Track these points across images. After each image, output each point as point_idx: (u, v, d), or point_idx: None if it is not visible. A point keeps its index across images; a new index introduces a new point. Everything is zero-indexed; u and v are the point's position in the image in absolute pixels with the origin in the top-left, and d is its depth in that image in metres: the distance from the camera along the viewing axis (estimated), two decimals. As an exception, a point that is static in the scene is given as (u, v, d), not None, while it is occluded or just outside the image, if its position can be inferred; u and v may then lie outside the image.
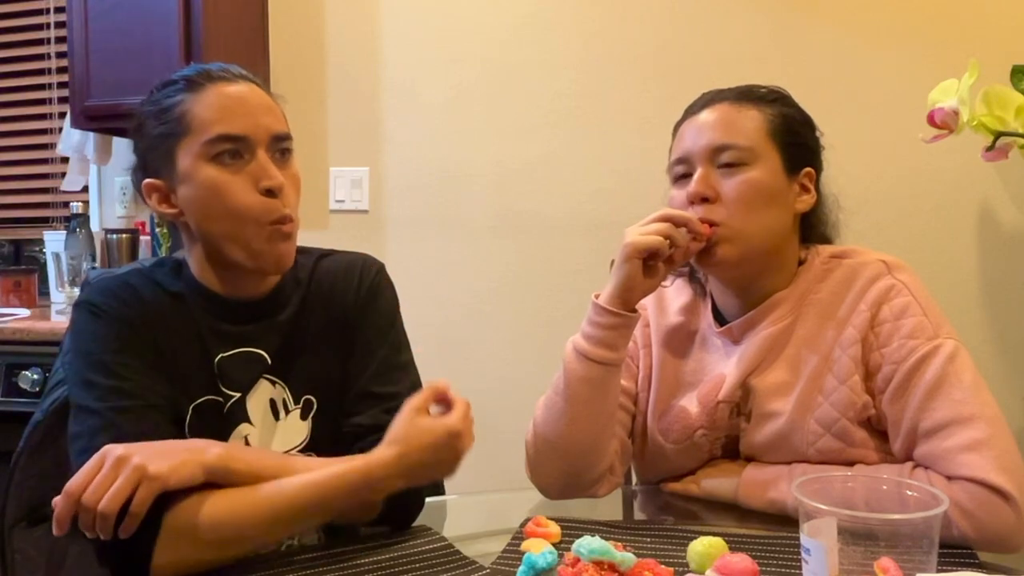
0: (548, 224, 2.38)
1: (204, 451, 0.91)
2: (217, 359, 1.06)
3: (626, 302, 1.08)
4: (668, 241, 1.05)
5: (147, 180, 1.07)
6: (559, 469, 1.13)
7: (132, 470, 0.85)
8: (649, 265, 1.07)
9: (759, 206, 1.09)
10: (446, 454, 0.96)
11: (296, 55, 2.56)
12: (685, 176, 1.13)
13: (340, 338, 1.12)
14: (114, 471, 0.85)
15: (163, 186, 1.06)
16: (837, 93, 2.15)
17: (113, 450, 0.87)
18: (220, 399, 1.06)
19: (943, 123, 1.27)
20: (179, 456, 0.88)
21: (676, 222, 1.06)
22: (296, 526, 0.92)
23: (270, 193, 1.02)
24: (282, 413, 1.09)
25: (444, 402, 0.99)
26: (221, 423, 1.06)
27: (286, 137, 1.06)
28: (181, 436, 1.03)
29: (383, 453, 0.95)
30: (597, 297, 1.10)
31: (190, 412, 1.04)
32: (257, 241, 1.03)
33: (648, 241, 1.05)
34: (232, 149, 1.02)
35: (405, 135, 2.49)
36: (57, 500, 0.85)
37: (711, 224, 1.08)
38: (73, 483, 0.85)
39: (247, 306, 1.09)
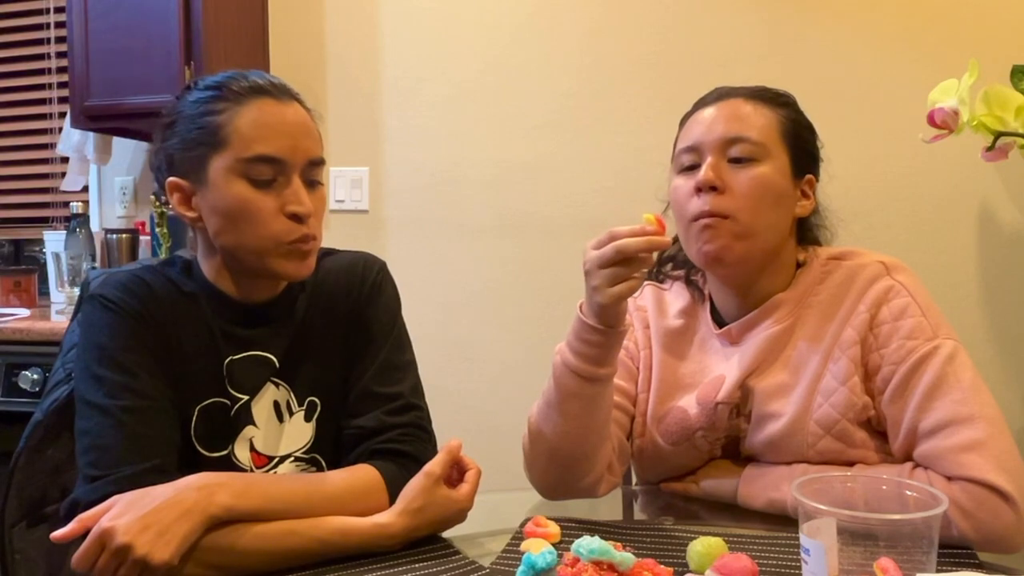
0: (548, 224, 2.38)
1: (210, 499, 0.88)
2: (226, 362, 1.06)
3: (608, 320, 1.02)
4: (638, 281, 0.98)
5: (172, 179, 1.05)
6: (553, 474, 1.13)
7: (132, 564, 0.83)
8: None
9: (768, 203, 1.09)
10: (452, 523, 0.99)
11: (296, 55, 2.56)
12: (692, 167, 1.12)
13: (343, 338, 1.12)
14: (115, 560, 0.84)
15: (187, 188, 1.04)
16: (837, 93, 2.15)
17: (114, 534, 0.83)
18: (227, 402, 1.06)
19: (943, 123, 1.27)
20: (182, 526, 0.85)
21: (636, 254, 0.97)
22: (294, 566, 0.92)
23: (296, 218, 1.02)
24: (286, 415, 1.09)
25: (457, 465, 1.00)
26: (226, 426, 1.06)
27: (321, 162, 1.06)
28: (186, 438, 1.03)
29: (394, 523, 0.95)
30: (581, 308, 1.05)
31: (196, 413, 1.04)
32: (274, 257, 1.03)
33: (620, 293, 0.98)
34: (268, 171, 1.01)
35: (405, 135, 2.49)
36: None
37: (722, 216, 1.07)
38: (75, 563, 0.85)
39: (257, 309, 1.09)
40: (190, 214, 1.05)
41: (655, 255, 1.03)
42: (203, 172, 1.02)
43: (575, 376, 1.06)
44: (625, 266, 0.98)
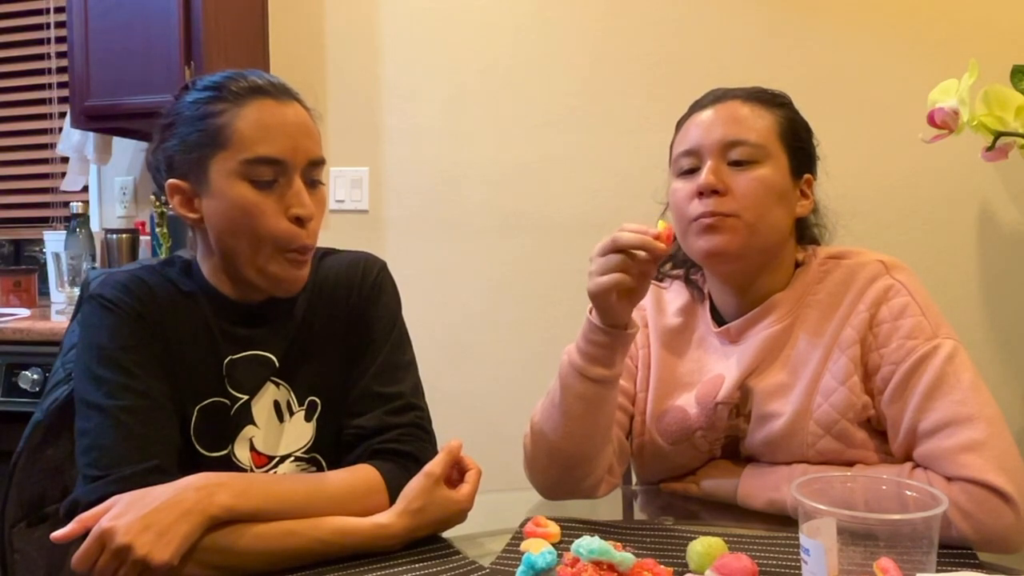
0: (548, 224, 2.38)
1: (210, 499, 0.88)
2: (226, 361, 1.06)
3: (614, 322, 1.04)
4: (626, 276, 0.99)
5: (172, 180, 1.04)
6: (554, 474, 1.13)
7: (132, 565, 0.83)
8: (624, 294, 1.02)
9: (770, 203, 1.09)
10: (452, 523, 0.99)
11: (296, 55, 2.56)
12: (692, 171, 1.12)
13: (343, 338, 1.12)
14: (115, 560, 0.84)
15: (188, 189, 1.04)
16: (837, 93, 2.15)
17: (114, 534, 0.83)
18: (227, 401, 1.06)
19: (943, 123, 1.27)
20: (182, 526, 0.85)
21: (628, 248, 0.99)
22: (294, 566, 0.92)
23: (298, 221, 1.02)
24: (286, 415, 1.09)
25: (458, 465, 1.00)
26: (227, 425, 1.06)
27: (321, 162, 1.06)
28: (186, 438, 1.03)
29: (394, 523, 0.95)
30: (591, 311, 1.05)
31: (196, 413, 1.04)
32: (272, 265, 1.03)
33: (604, 284, 0.99)
34: (269, 172, 1.01)
35: (405, 135, 2.49)
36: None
37: (724, 215, 1.07)
38: (74, 564, 0.85)
39: (257, 309, 1.09)
40: (192, 215, 1.05)
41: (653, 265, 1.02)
42: (204, 174, 1.02)
43: (580, 377, 1.06)
44: (618, 258, 0.99)
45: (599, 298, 1.02)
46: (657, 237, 0.99)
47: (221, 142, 1.00)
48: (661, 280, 1.28)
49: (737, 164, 1.09)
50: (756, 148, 1.09)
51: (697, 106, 1.16)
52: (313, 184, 1.05)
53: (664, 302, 1.26)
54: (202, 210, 1.04)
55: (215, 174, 1.01)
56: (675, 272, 1.27)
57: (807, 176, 1.16)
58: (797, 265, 1.16)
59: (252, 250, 1.02)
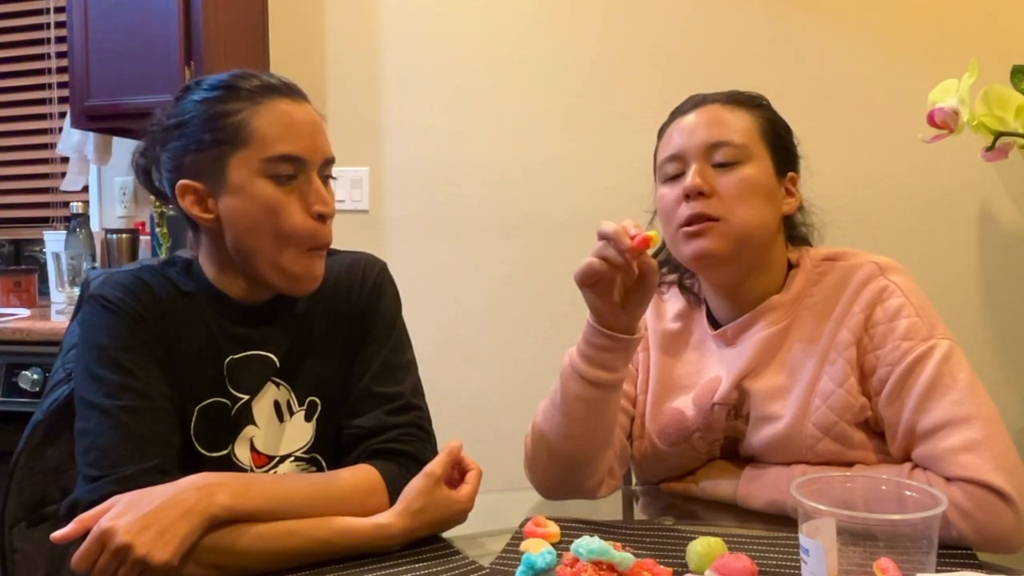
0: (548, 224, 2.38)
1: (210, 499, 0.88)
2: (227, 361, 1.06)
3: (611, 324, 1.03)
4: (601, 262, 0.98)
5: (184, 181, 1.03)
6: (555, 476, 1.13)
7: (132, 564, 0.83)
8: (607, 289, 1.01)
9: (756, 202, 1.09)
10: (452, 524, 0.99)
11: (296, 55, 2.56)
12: (677, 175, 1.12)
13: (343, 338, 1.12)
14: (115, 560, 0.84)
15: (202, 190, 1.03)
16: (837, 93, 2.15)
17: (114, 534, 0.83)
18: (228, 401, 1.06)
19: (943, 123, 1.27)
20: (182, 526, 0.85)
21: (604, 237, 0.98)
22: (294, 566, 0.92)
23: (321, 218, 1.03)
24: (286, 415, 1.09)
25: (458, 466, 1.00)
26: (227, 425, 1.06)
27: (333, 160, 1.08)
28: (186, 438, 1.03)
29: (394, 523, 0.95)
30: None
31: (196, 413, 1.04)
32: (291, 262, 1.03)
33: (581, 269, 1.00)
34: (290, 169, 1.02)
35: (405, 135, 2.49)
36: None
37: (711, 219, 1.07)
38: (74, 563, 0.85)
39: (258, 309, 1.09)
40: (206, 216, 1.04)
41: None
42: (222, 173, 1.01)
43: (579, 379, 1.06)
44: (600, 244, 0.99)
45: (581, 285, 1.01)
46: (633, 237, 0.96)
47: (240, 140, 1.00)
48: (659, 286, 1.28)
49: (722, 166, 1.10)
50: (739, 148, 1.10)
51: (678, 112, 1.17)
52: (326, 180, 1.07)
53: (663, 307, 1.26)
54: (218, 210, 1.03)
55: (234, 172, 1.01)
56: (670, 278, 1.27)
57: (791, 174, 1.16)
58: (790, 266, 1.16)
59: (273, 248, 1.02)
